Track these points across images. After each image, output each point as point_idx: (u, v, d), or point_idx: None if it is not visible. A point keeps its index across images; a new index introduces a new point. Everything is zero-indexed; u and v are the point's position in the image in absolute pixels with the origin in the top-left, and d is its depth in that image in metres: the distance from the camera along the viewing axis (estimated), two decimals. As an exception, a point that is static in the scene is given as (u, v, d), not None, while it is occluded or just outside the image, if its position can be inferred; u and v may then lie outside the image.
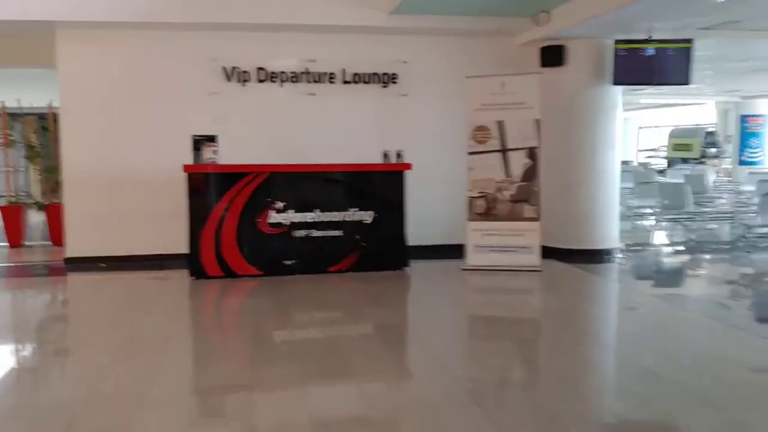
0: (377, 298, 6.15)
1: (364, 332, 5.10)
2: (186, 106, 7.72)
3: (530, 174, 7.24)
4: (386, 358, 4.38)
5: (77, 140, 7.64)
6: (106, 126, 7.64)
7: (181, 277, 6.79)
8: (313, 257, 6.97)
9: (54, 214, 9.32)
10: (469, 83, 7.41)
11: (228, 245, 6.73)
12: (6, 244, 9.39)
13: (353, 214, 7.03)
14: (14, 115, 9.83)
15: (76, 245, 7.73)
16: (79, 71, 7.59)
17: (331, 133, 7.96)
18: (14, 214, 9.27)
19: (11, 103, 9.69)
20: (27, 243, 9.45)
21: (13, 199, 9.38)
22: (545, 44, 7.93)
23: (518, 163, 7.26)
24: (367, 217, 7.05)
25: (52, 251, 8.87)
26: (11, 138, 9.62)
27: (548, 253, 7.56)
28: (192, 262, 6.73)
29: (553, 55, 7.92)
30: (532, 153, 7.23)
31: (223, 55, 7.76)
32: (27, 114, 9.93)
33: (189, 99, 7.72)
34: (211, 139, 6.80)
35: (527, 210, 7.24)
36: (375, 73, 8.10)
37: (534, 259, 7.19)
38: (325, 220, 6.97)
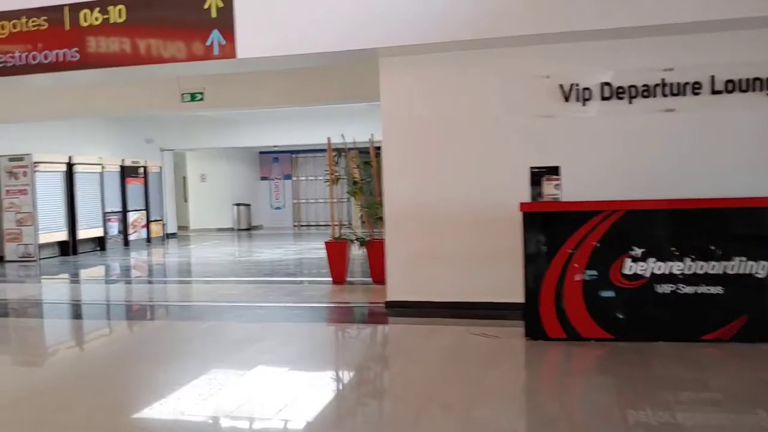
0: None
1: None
2: (517, 133, 6.70)
3: None
4: None
5: (400, 174, 7.09)
6: (430, 158, 6.98)
7: (514, 336, 5.71)
8: (682, 320, 5.37)
9: (375, 251, 9.02)
10: None
11: (572, 300, 5.46)
12: (329, 279, 9.35)
13: (738, 265, 5.27)
14: (339, 150, 9.82)
15: (398, 287, 7.16)
16: (401, 100, 7.05)
17: (698, 157, 6.28)
18: (339, 250, 9.18)
19: (336, 139, 9.68)
20: (349, 279, 9.29)
21: (337, 235, 9.30)
22: None
23: None
24: (760, 269, 5.24)
25: (373, 291, 8.53)
26: (336, 174, 9.58)
27: None
28: (529, 320, 5.60)
29: None
30: None
31: (559, 71, 6.59)
32: (351, 149, 9.85)
33: (520, 124, 6.70)
34: (553, 171, 5.66)
35: None
36: (758, 79, 6.22)
37: None
38: (698, 272, 5.32)
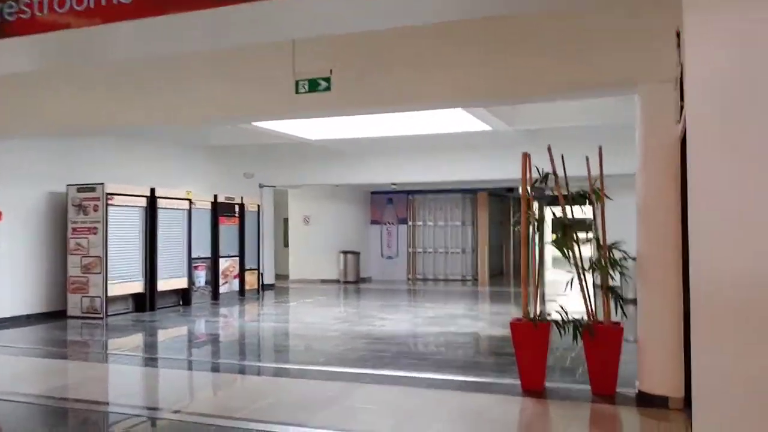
0: None
1: None
2: None
3: None
4: None
5: (735, 221, 3.48)
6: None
7: None
8: None
9: (603, 344, 5.40)
10: None
11: None
12: (515, 381, 5.79)
13: None
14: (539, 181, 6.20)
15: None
16: (733, 67, 3.49)
17: None
18: (537, 339, 5.56)
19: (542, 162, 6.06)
20: (549, 384, 5.68)
21: (534, 314, 5.68)
22: None
23: None
24: None
25: (606, 419, 4.95)
26: (531, 216, 5.97)
27: None
28: None
29: None
30: None
31: None
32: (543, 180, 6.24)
33: None
34: None
35: None
36: None
37: None
38: None
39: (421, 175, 14.96)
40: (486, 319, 10.39)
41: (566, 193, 5.76)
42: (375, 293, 15.85)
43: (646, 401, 5.19)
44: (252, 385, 6.13)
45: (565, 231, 5.56)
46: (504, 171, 14.22)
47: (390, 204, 19.39)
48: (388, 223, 19.43)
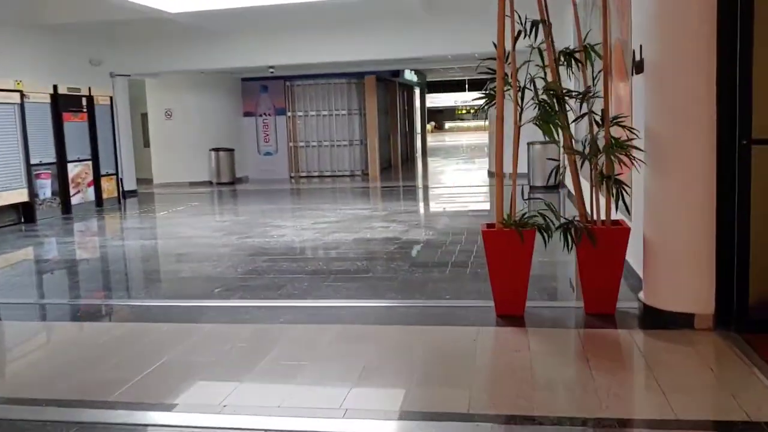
0: None
1: None
2: None
3: None
4: None
5: None
6: None
7: None
8: None
9: (603, 250, 4.16)
10: None
11: None
12: (482, 303, 4.52)
13: None
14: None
15: None
16: None
17: None
18: (519, 251, 4.21)
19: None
20: (532, 304, 4.43)
21: (511, 218, 4.29)
22: None
23: None
24: None
25: (606, 342, 3.82)
26: (507, 83, 4.41)
27: None
28: None
29: None
30: None
31: None
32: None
33: None
34: None
35: None
36: None
37: None
38: None
39: (303, 55, 13.04)
40: (399, 220, 9.03)
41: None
42: (257, 195, 14.07)
43: (658, 320, 4.06)
44: (131, 340, 4.39)
45: (559, 104, 4.11)
46: (400, 49, 12.60)
47: (265, 92, 17.24)
48: (264, 114, 17.38)
